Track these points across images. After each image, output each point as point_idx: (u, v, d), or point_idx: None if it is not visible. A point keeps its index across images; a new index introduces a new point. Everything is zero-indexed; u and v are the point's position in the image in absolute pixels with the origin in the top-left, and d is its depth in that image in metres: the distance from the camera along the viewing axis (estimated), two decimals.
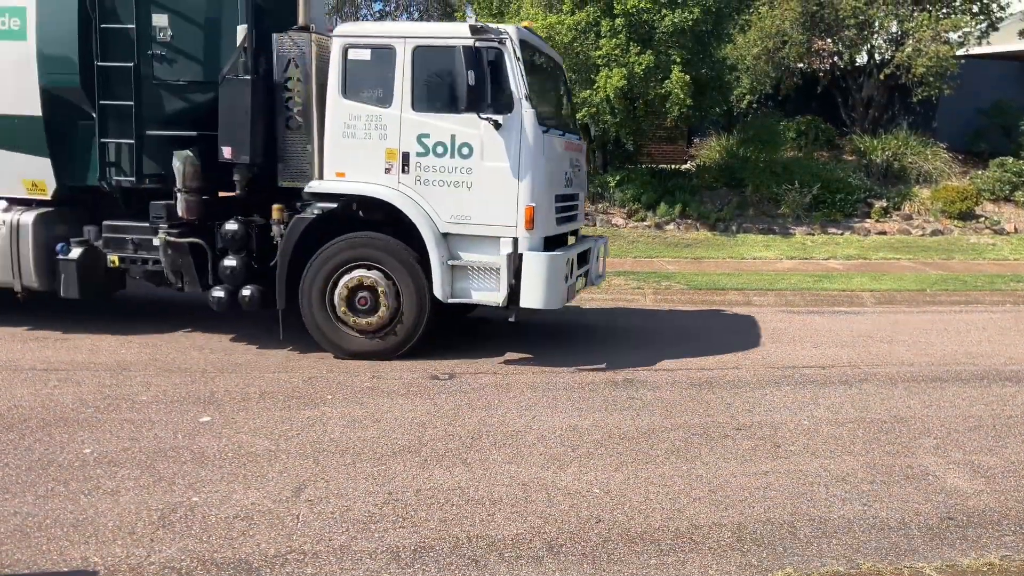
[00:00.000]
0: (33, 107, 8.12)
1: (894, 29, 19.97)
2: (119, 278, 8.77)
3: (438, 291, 7.79)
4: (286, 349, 8.50)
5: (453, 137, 7.69)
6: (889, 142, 19.92)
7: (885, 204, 18.62)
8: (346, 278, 7.92)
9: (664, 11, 16.14)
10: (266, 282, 8.17)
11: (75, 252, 8.42)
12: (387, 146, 7.77)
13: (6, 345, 8.39)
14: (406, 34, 7.84)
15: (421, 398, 6.95)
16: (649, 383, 7.52)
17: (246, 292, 8.10)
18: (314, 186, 7.93)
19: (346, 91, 7.83)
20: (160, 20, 7.87)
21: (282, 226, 8.05)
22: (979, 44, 20.36)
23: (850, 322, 10.62)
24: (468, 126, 7.61)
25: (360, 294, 7.92)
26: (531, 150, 7.62)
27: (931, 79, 18.74)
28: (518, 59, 7.65)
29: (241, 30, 7.87)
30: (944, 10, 19.55)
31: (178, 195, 8.03)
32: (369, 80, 7.85)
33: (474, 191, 7.68)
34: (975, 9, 19.92)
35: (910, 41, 19.18)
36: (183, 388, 7.08)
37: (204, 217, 8.16)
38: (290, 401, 6.79)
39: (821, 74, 21.25)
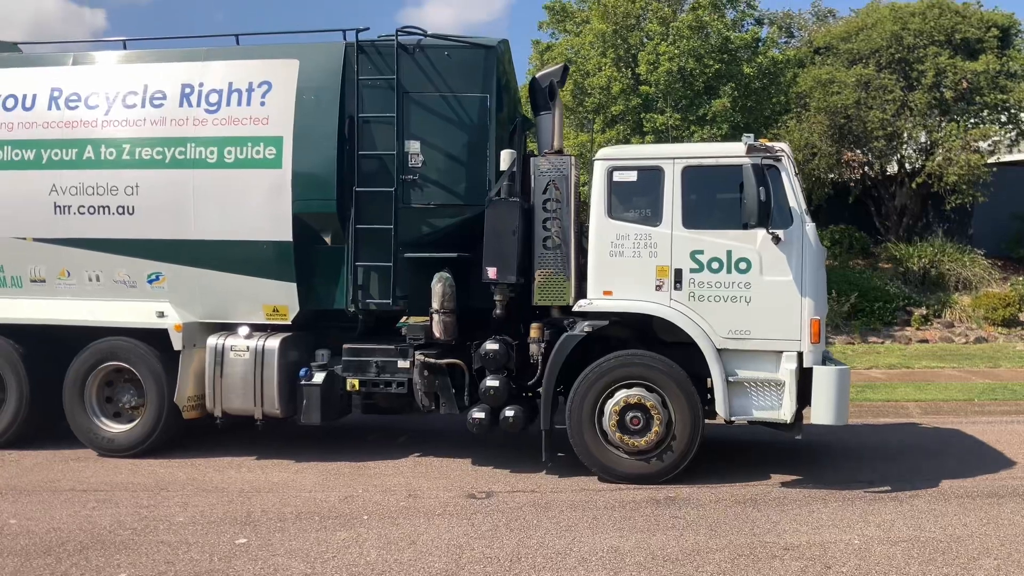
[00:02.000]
0: (284, 233, 8.59)
1: (923, 139, 20.26)
2: (348, 403, 9.03)
3: (721, 409, 7.87)
4: (321, 463, 8.75)
5: (729, 252, 7.88)
6: (925, 249, 20.04)
7: (925, 312, 18.57)
8: (617, 396, 7.98)
9: (693, 127, 16.59)
10: (524, 401, 8.40)
11: (318, 377, 8.71)
12: (658, 263, 8.00)
13: (46, 466, 8.56)
14: (675, 155, 8.25)
15: (458, 518, 6.92)
16: (692, 501, 7.40)
17: (509, 413, 8.22)
18: (583, 305, 8.16)
19: (611, 211, 8.11)
20: (413, 146, 8.51)
21: (541, 345, 8.25)
22: (1010, 152, 20.52)
23: (896, 434, 10.36)
24: (745, 241, 7.85)
25: (632, 413, 7.93)
26: (814, 263, 7.90)
27: (964, 187, 19.06)
28: (796, 174, 8.04)
29: (506, 155, 8.42)
30: (972, 120, 19.81)
31: (434, 316, 8.35)
32: (635, 200, 8.32)
33: (753, 305, 7.83)
34: (1003, 119, 20.16)
35: (940, 150, 19.44)
36: (220, 508, 7.30)
37: (458, 338, 8.41)
38: (326, 522, 6.82)
39: (852, 183, 21.52)
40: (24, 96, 8.97)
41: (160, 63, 9.02)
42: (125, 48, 9.41)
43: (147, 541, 6.35)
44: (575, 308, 8.12)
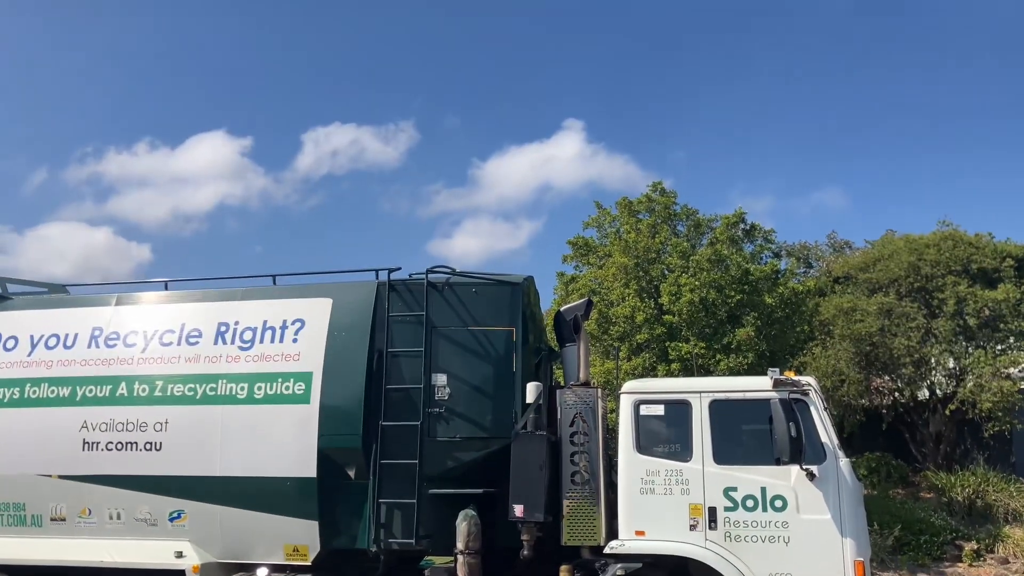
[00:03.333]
0: (308, 469, 8.51)
1: (951, 364, 20.14)
2: None
3: None
4: None
5: (764, 490, 7.67)
6: (967, 479, 19.28)
7: (976, 546, 17.48)
8: None
9: (719, 355, 16.67)
10: None
11: None
12: (691, 501, 7.77)
13: None
14: (702, 389, 8.26)
15: None
16: None
17: None
18: (615, 546, 7.85)
19: (640, 446, 7.98)
20: (440, 379, 8.56)
21: None
22: None
23: None
24: (779, 478, 7.66)
25: None
26: (852, 500, 7.64)
27: (999, 414, 18.52)
28: (825, 408, 7.98)
29: (532, 388, 8.40)
30: (999, 347, 19.79)
31: (459, 557, 8.02)
32: (664, 434, 8.22)
33: (792, 546, 7.51)
34: None
35: (970, 376, 19.24)
36: None
37: None
38: None
39: (884, 410, 21.16)
40: (66, 336, 9.29)
41: (198, 303, 9.38)
42: (167, 288, 9.84)
43: None
44: (607, 549, 7.79)
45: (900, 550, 17.20)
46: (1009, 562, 17.44)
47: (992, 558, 17.51)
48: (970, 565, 17.22)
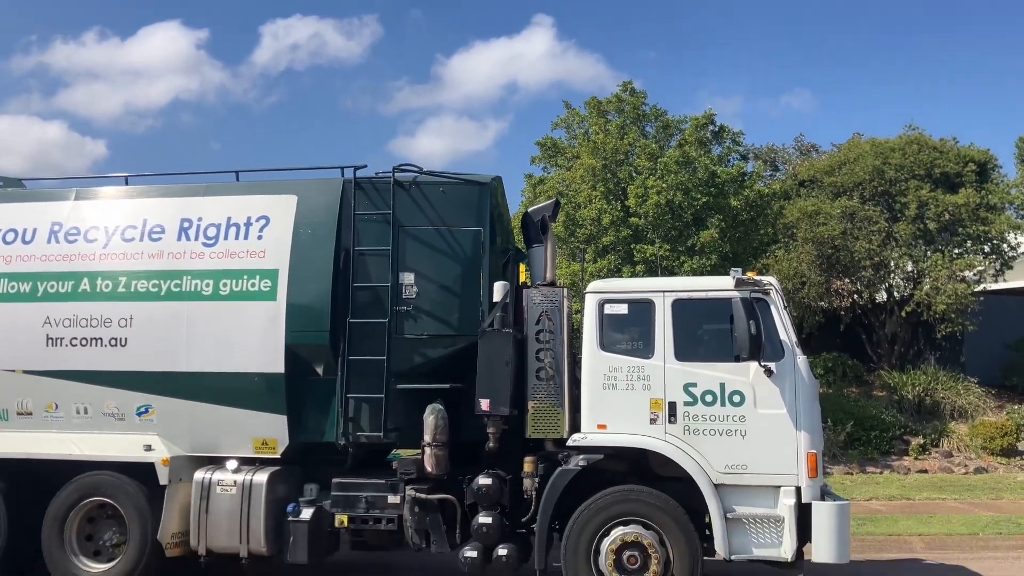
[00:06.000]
0: (276, 365, 8.52)
1: (910, 268, 20.58)
2: (336, 540, 8.71)
3: (720, 547, 7.64)
4: None
5: (722, 385, 7.84)
6: (919, 377, 20.07)
7: (923, 441, 18.40)
8: (614, 534, 7.76)
9: (683, 258, 16.81)
10: (518, 539, 8.19)
11: (306, 513, 8.44)
12: (651, 396, 7.93)
13: None
14: (665, 288, 8.32)
15: None
16: None
17: (502, 551, 7.98)
18: (577, 439, 8.04)
19: (603, 344, 8.10)
20: (407, 278, 8.57)
21: (535, 479, 8.11)
22: (996, 281, 20.80)
23: (901, 571, 10.02)
24: (738, 374, 7.82)
25: (628, 552, 7.70)
26: (808, 396, 7.84)
27: (953, 316, 19.16)
28: (785, 307, 8.08)
29: (499, 287, 8.43)
30: (957, 250, 20.19)
31: (426, 449, 8.20)
32: (627, 332, 8.33)
33: (749, 439, 7.73)
34: (987, 249, 20.55)
35: (927, 279, 19.70)
36: None
37: (450, 472, 8.27)
38: None
39: (842, 312, 21.66)
40: (24, 230, 9.10)
41: (160, 198, 9.20)
42: (127, 183, 9.62)
43: None
44: (569, 442, 8.00)
45: (851, 445, 17.93)
46: (952, 456, 18.29)
47: (937, 452, 18.36)
48: (916, 458, 18.07)
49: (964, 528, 12.57)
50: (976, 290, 20.17)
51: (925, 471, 17.59)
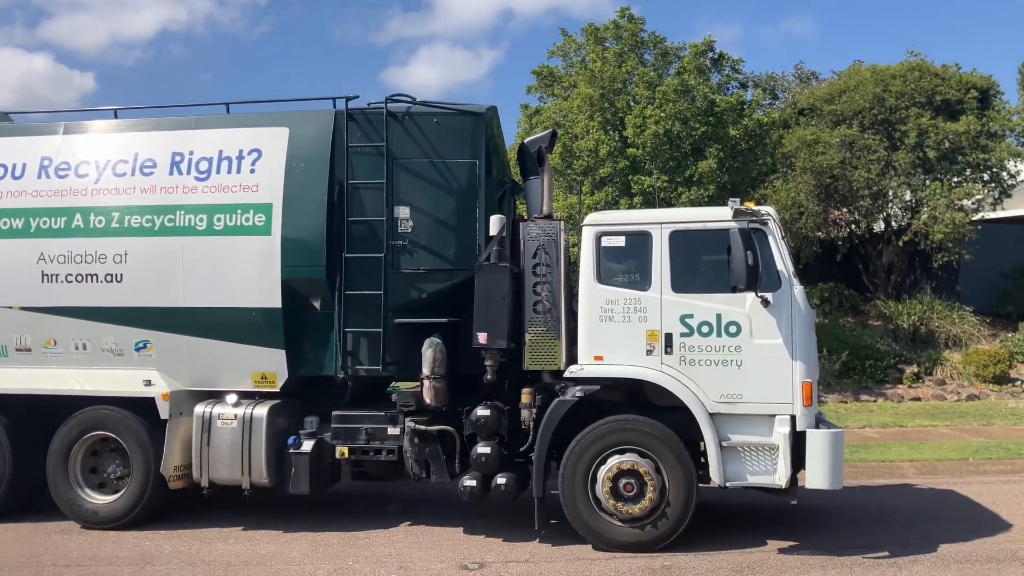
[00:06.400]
0: (272, 300, 8.53)
1: (908, 197, 20.49)
2: (337, 471, 8.89)
3: (715, 475, 7.77)
4: (310, 533, 8.58)
5: (719, 316, 7.85)
6: (914, 307, 20.14)
7: (916, 369, 18.58)
8: (611, 462, 7.87)
9: (680, 189, 16.71)
10: (516, 468, 8.29)
11: (307, 445, 8.55)
12: (648, 328, 7.95)
13: (29, 539, 8.50)
14: (662, 220, 8.27)
15: None
16: (689, 569, 7.23)
17: (501, 480, 8.10)
18: (574, 370, 8.11)
19: (600, 276, 8.10)
20: (403, 212, 8.51)
21: (533, 410, 8.17)
22: (994, 210, 20.73)
23: (892, 496, 10.21)
24: (734, 305, 7.83)
25: (625, 480, 7.81)
26: (804, 325, 7.86)
27: (950, 245, 19.19)
28: (783, 237, 8.05)
29: (495, 220, 8.39)
30: (955, 179, 20.06)
31: (425, 382, 8.28)
32: (624, 265, 8.34)
33: (744, 369, 7.77)
34: (986, 177, 20.43)
35: (925, 209, 19.64)
36: None
37: (449, 403, 8.35)
38: None
39: (840, 242, 21.64)
40: (13, 166, 8.99)
41: (150, 132, 9.07)
42: (116, 117, 9.47)
43: None
44: (566, 374, 8.06)
45: (846, 374, 18.10)
46: (946, 384, 18.49)
47: (931, 380, 18.55)
48: (910, 387, 18.27)
49: (955, 454, 12.77)
50: (974, 219, 20.12)
51: (918, 399, 17.79)
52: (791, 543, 7.96)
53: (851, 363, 18.26)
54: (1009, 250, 21.63)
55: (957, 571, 7.13)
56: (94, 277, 8.69)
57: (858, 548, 7.77)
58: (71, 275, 8.72)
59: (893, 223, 21.67)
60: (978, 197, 20.49)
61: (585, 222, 8.44)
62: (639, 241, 8.10)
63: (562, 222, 8.57)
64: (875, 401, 17.63)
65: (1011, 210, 22.19)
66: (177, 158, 8.75)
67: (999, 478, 11.30)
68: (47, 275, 8.76)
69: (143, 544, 8.19)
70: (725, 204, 8.01)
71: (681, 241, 8.00)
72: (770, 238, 7.86)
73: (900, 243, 20.88)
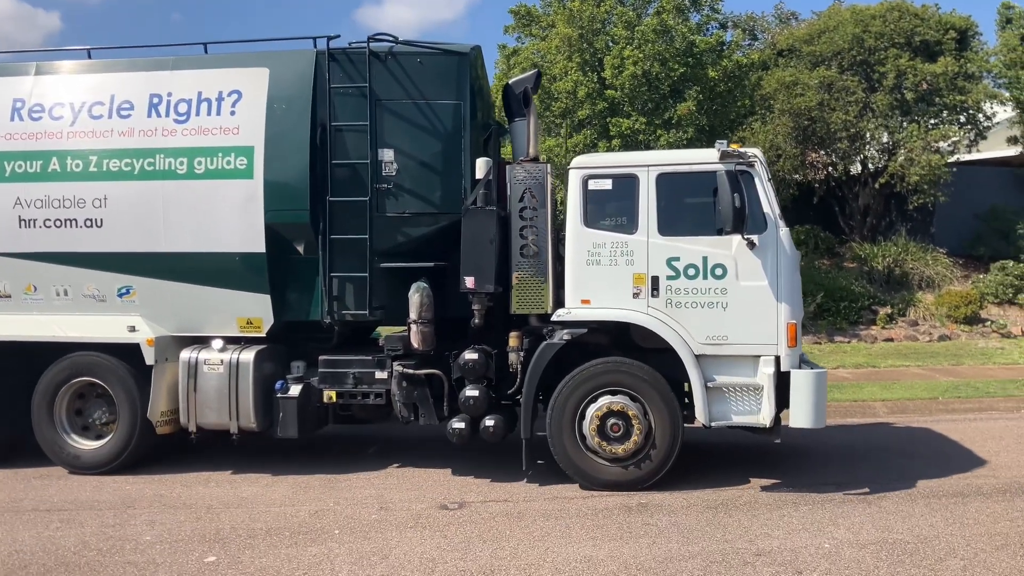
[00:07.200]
0: (256, 244, 8.48)
1: (885, 139, 20.58)
2: (324, 415, 8.93)
3: (700, 415, 7.92)
4: (293, 476, 8.68)
5: (705, 259, 7.92)
6: (889, 249, 20.41)
7: (890, 311, 18.90)
8: (598, 403, 7.99)
9: (659, 131, 16.67)
10: (504, 410, 8.41)
11: (294, 389, 8.56)
12: (634, 271, 8.01)
13: (8, 485, 8.55)
14: (649, 163, 8.27)
15: (430, 530, 6.94)
16: (664, 507, 7.46)
17: (489, 422, 8.20)
18: (562, 314, 8.16)
19: (587, 220, 8.11)
20: (387, 155, 8.44)
21: (520, 353, 8.23)
22: (969, 152, 20.90)
23: (865, 434, 10.51)
24: (720, 247, 7.89)
25: (612, 420, 7.93)
26: (789, 267, 7.96)
27: (925, 187, 19.50)
28: (769, 179, 8.06)
29: (481, 163, 8.31)
30: (932, 121, 20.15)
31: (412, 326, 8.30)
32: (611, 208, 8.32)
33: (730, 311, 7.87)
34: (962, 119, 20.53)
35: (902, 151, 19.75)
36: (188, 526, 7.23)
37: (436, 347, 8.38)
38: (297, 537, 6.84)
39: (817, 184, 21.78)
40: None
41: (127, 72, 8.86)
42: (90, 57, 9.24)
43: (113, 562, 6.24)
44: (554, 317, 8.12)
45: (821, 316, 18.40)
46: (918, 324, 18.86)
47: (904, 321, 18.90)
48: (883, 328, 18.61)
49: (925, 393, 13.11)
50: (949, 161, 20.28)
51: (891, 340, 18.15)
52: (769, 480, 8.19)
53: (826, 305, 18.53)
54: (983, 192, 21.86)
55: (924, 505, 7.39)
56: (73, 222, 8.57)
57: (832, 485, 8.01)
58: (49, 220, 8.60)
59: (870, 165, 21.80)
60: (954, 139, 20.62)
61: (572, 165, 8.41)
62: (626, 184, 8.10)
63: (548, 164, 8.53)
64: (849, 342, 17.96)
65: (986, 152, 22.37)
66: (155, 100, 8.59)
67: (967, 416, 11.64)
68: (24, 220, 8.63)
69: (124, 488, 8.24)
70: (704, 147, 8.01)
71: (668, 184, 8.02)
72: (756, 180, 7.90)
73: (876, 185, 21.04)
